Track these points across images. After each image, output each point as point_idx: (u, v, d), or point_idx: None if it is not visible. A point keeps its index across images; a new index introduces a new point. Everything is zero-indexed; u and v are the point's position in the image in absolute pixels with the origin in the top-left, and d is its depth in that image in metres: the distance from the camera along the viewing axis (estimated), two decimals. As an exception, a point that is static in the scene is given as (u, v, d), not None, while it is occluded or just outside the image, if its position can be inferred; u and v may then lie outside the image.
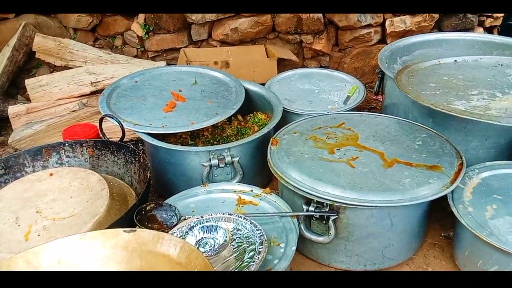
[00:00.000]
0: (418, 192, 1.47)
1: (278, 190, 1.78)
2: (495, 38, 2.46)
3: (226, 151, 1.81)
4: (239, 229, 1.39)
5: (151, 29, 3.01)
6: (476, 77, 1.97)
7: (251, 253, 1.29)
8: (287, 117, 2.14)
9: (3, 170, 1.78)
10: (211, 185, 1.70)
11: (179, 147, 1.84)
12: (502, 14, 2.81)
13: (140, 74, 2.26)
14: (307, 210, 1.51)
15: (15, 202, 1.61)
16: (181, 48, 2.99)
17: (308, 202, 1.52)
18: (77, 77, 2.58)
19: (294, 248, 1.36)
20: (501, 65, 2.08)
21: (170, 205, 1.53)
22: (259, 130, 2.02)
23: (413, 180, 1.51)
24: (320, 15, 2.92)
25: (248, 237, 1.36)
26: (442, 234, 1.76)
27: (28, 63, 2.98)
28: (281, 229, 1.46)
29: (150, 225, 1.43)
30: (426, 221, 1.68)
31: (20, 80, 2.93)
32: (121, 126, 1.82)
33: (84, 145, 1.87)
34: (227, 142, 2.05)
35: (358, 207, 1.45)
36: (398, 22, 2.97)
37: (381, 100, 2.61)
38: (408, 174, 1.55)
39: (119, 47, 3.11)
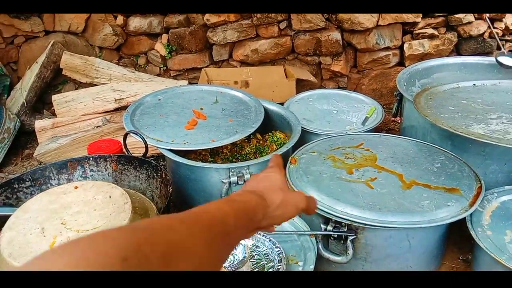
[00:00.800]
0: (436, 214, 1.48)
1: (296, 208, 1.80)
2: (515, 62, 2.47)
3: (245, 168, 1.85)
4: (258, 246, 1.42)
5: (174, 49, 3.10)
6: (495, 101, 1.98)
7: (270, 270, 1.31)
8: (305, 136, 2.17)
9: (30, 182, 1.84)
10: (230, 202, 1.73)
11: (200, 164, 1.88)
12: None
13: (163, 92, 2.33)
14: (325, 230, 1.52)
15: (41, 213, 1.66)
16: (202, 67, 3.07)
17: (327, 221, 1.54)
18: (102, 94, 2.67)
19: (312, 267, 1.38)
20: (521, 89, 2.08)
21: (191, 220, 1.55)
22: (278, 149, 2.06)
23: (432, 202, 1.52)
24: (339, 37, 2.98)
25: (266, 254, 1.38)
26: (460, 258, 1.75)
27: (55, 80, 3.10)
28: (299, 247, 1.47)
29: (171, 240, 1.46)
30: (444, 244, 1.68)
31: (47, 95, 3.04)
32: (145, 142, 1.88)
33: (108, 159, 1.93)
34: (245, 160, 2.09)
35: (376, 227, 1.46)
36: (416, 45, 3.01)
37: (399, 122, 2.62)
38: (426, 196, 1.56)
39: (142, 66, 3.20)
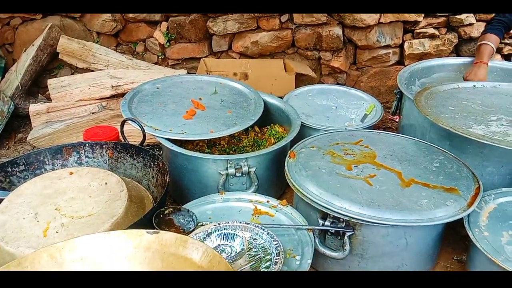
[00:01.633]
0: (435, 213, 1.48)
1: (292, 203, 1.80)
2: (514, 65, 2.49)
3: (244, 161, 1.83)
4: (256, 239, 1.41)
5: (172, 37, 3.06)
6: (495, 103, 1.98)
7: (267, 263, 1.30)
8: (304, 131, 2.16)
9: (23, 166, 1.81)
10: (227, 193, 1.72)
11: (198, 154, 1.86)
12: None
13: (162, 81, 2.30)
14: (323, 225, 1.52)
15: (34, 198, 1.64)
16: (201, 57, 3.04)
17: (324, 216, 1.53)
18: (99, 80, 2.63)
19: (309, 261, 1.37)
20: (520, 92, 2.09)
21: (188, 210, 1.54)
22: (276, 142, 2.05)
23: (430, 201, 1.52)
24: (340, 33, 2.96)
25: (264, 247, 1.37)
26: (455, 258, 1.76)
27: (51, 64, 3.05)
28: (297, 241, 1.47)
29: (167, 229, 1.45)
30: (440, 243, 1.68)
31: (42, 79, 2.99)
32: (143, 130, 1.85)
33: (104, 146, 1.90)
34: (243, 152, 2.07)
35: (374, 224, 1.46)
36: (417, 44, 3.00)
37: (397, 120, 2.62)
38: (425, 195, 1.56)
39: (140, 53, 3.16)
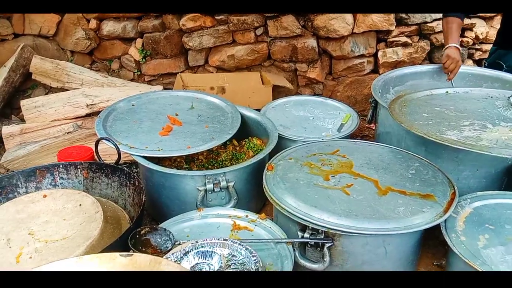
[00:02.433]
0: (412, 220, 1.48)
1: (273, 215, 1.79)
2: (485, 71, 2.54)
3: (222, 175, 1.82)
4: (234, 255, 1.39)
5: (148, 53, 3.05)
6: (467, 108, 2.01)
7: (246, 280, 1.28)
8: (282, 143, 2.16)
9: (-5, 190, 1.76)
10: (206, 209, 1.70)
11: (174, 171, 1.84)
12: (489, 47, 2.90)
13: (137, 98, 2.28)
14: (302, 237, 1.51)
15: (7, 223, 1.59)
16: (177, 73, 3.03)
17: (303, 228, 1.52)
18: (73, 99, 2.59)
19: (289, 275, 1.35)
20: (491, 97, 2.13)
21: (165, 229, 1.52)
22: (254, 155, 2.04)
23: (407, 209, 1.53)
24: (315, 44, 2.99)
25: (243, 263, 1.35)
26: (435, 263, 1.77)
27: (24, 84, 3.00)
28: (276, 255, 1.45)
29: (144, 250, 1.42)
30: (419, 250, 1.69)
31: (15, 100, 2.94)
32: (117, 149, 1.83)
33: (78, 167, 1.87)
34: (222, 167, 2.06)
35: (353, 234, 1.46)
36: (390, 53, 3.05)
37: (373, 128, 2.64)
38: (402, 202, 1.56)
39: (115, 71, 3.14)
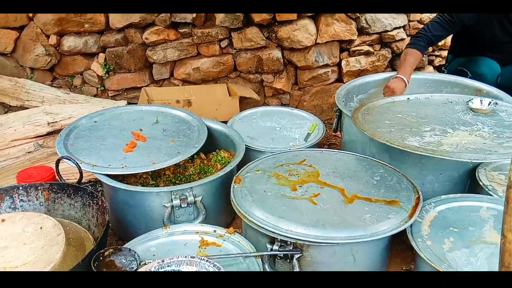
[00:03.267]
0: (378, 227, 1.50)
1: (242, 228, 1.77)
2: (444, 76, 2.62)
3: (189, 190, 1.79)
4: (202, 272, 1.36)
5: (111, 68, 3.00)
6: (428, 114, 2.06)
7: (215, 297, 1.26)
8: (250, 154, 2.15)
9: (-51, 216, 1.67)
10: (172, 226, 1.66)
11: (138, 188, 1.80)
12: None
13: (100, 114, 2.23)
14: (271, 249, 1.50)
15: (-38, 251, 1.51)
16: (142, 87, 2.99)
17: (272, 241, 1.51)
18: (33, 117, 2.51)
19: (258, 289, 1.34)
20: (451, 102, 2.19)
21: (130, 249, 1.48)
22: (222, 168, 2.02)
23: (373, 216, 1.54)
24: (280, 55, 3.02)
25: (211, 280, 1.33)
26: (404, 268, 1.79)
27: (-19, 103, 2.89)
28: (245, 270, 1.43)
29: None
30: (387, 255, 1.71)
31: (-28, 121, 2.81)
32: (79, 168, 1.77)
33: (39, 188, 1.80)
34: (189, 181, 2.03)
35: (321, 244, 1.46)
36: (353, 62, 3.11)
37: (340, 136, 2.68)
38: (368, 209, 1.58)
39: (78, 87, 3.07)
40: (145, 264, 1.42)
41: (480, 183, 1.85)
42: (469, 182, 1.98)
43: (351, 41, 3.07)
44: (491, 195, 1.77)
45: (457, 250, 1.50)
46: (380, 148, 1.99)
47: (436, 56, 3.43)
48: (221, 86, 3.04)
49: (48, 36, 2.95)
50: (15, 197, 1.80)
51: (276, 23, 2.94)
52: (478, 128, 1.90)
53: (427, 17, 3.20)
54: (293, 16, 2.89)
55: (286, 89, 3.12)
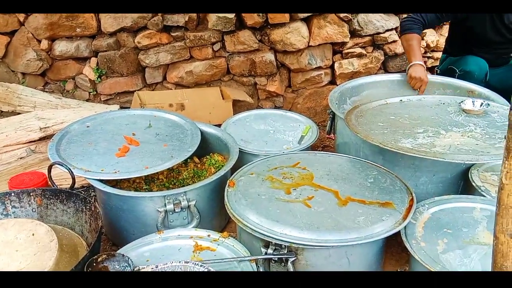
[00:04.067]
0: (372, 229, 1.50)
1: (237, 232, 1.76)
2: (436, 78, 2.63)
3: (182, 195, 1.78)
4: (196, 277, 1.35)
5: (103, 72, 2.98)
6: (421, 115, 2.07)
7: (209, 302, 1.25)
8: (243, 158, 2.15)
9: None
10: (166, 231, 1.65)
11: (132, 193, 1.79)
12: (440, 55, 3.02)
13: (92, 119, 2.22)
14: (266, 253, 1.50)
15: (-48, 259, 1.49)
16: (135, 91, 2.98)
17: (267, 244, 1.51)
18: (25, 122, 2.49)
19: (253, 293, 1.33)
20: (443, 103, 2.21)
21: (123, 255, 1.47)
22: (216, 172, 2.02)
23: (367, 218, 1.55)
24: (273, 58, 3.02)
25: (205, 284, 1.32)
26: (399, 269, 1.79)
27: (-28, 109, 2.86)
28: (239, 274, 1.43)
29: (102, 278, 1.36)
30: (382, 257, 1.71)
31: (-37, 126, 2.79)
32: (71, 173, 1.76)
33: (31, 194, 1.79)
34: (183, 185, 2.02)
35: (315, 247, 1.46)
36: (346, 64, 3.12)
37: (333, 138, 2.68)
38: (362, 212, 1.58)
39: (70, 91, 3.05)
40: (139, 270, 1.41)
41: (473, 184, 1.85)
42: (462, 183, 1.99)
43: (343, 44, 3.08)
44: (484, 196, 1.78)
45: (451, 251, 1.51)
46: (373, 150, 1.99)
47: (428, 57, 3.44)
48: (214, 90, 3.04)
49: (39, 41, 2.93)
50: (7, 203, 1.78)
51: (269, 26, 2.94)
52: (471, 129, 1.91)
53: (419, 19, 3.21)
54: (286, 18, 2.89)
55: (279, 92, 3.12)
